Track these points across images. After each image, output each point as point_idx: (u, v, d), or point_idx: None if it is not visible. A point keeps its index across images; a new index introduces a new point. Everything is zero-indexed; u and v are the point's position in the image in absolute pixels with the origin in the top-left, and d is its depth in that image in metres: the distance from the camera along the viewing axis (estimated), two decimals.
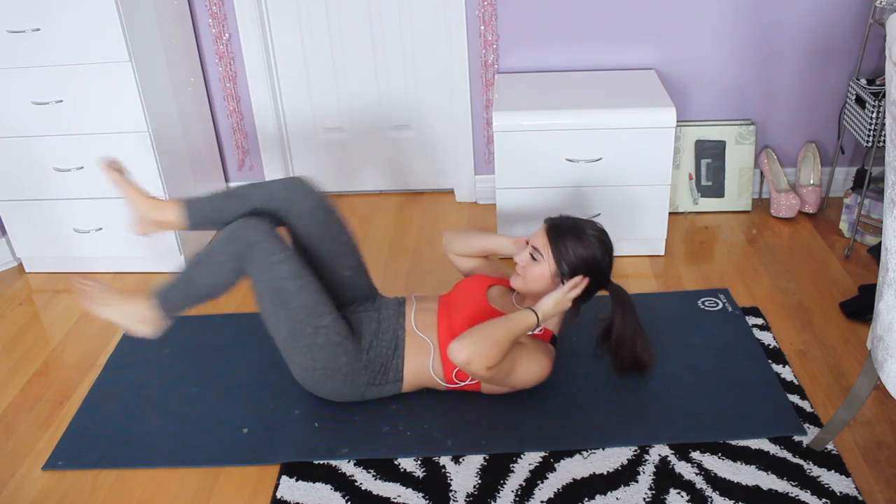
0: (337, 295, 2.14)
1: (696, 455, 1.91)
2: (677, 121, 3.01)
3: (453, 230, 2.34)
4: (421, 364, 2.05)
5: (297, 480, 1.91)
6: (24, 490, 1.95)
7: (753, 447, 1.93)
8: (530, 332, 2.00)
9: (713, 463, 1.89)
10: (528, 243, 2.06)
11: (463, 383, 2.05)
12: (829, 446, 1.90)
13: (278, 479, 1.92)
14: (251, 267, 1.94)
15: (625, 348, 2.10)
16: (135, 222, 2.12)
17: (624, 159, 2.59)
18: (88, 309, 2.02)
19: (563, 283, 2.00)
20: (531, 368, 2.01)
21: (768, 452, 1.91)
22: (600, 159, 2.59)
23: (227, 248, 1.94)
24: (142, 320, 2.01)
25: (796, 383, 2.13)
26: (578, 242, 1.98)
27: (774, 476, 1.84)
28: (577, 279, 1.98)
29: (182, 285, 2.00)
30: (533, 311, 1.95)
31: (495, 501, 1.82)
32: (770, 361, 2.21)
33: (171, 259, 2.84)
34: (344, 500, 1.85)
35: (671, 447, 1.94)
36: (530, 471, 1.90)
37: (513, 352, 1.96)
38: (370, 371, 2.04)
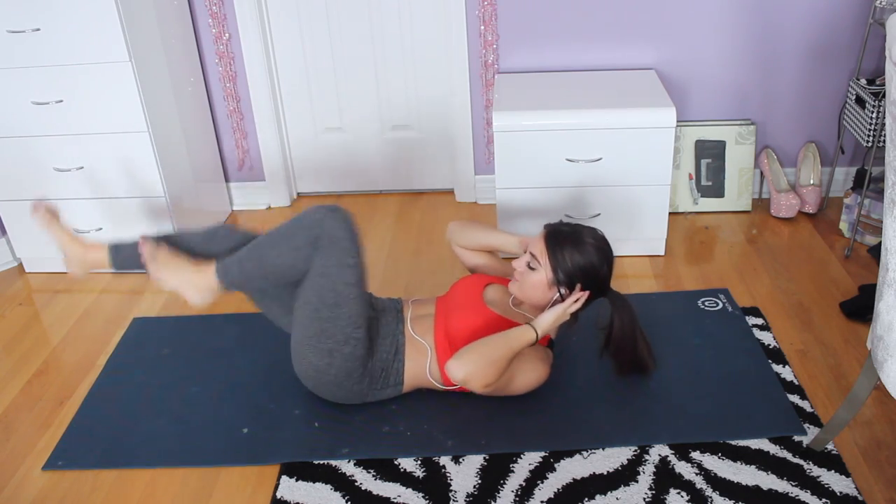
0: None
1: (696, 455, 1.91)
2: (677, 121, 3.01)
3: (459, 221, 2.31)
4: (419, 367, 2.05)
5: (297, 480, 1.91)
6: (24, 490, 1.95)
7: (753, 447, 1.93)
8: None
9: (713, 463, 1.89)
10: (526, 250, 2.05)
11: (459, 384, 2.05)
12: (829, 446, 1.90)
13: (278, 479, 1.92)
14: (324, 260, 1.92)
15: (625, 354, 2.09)
16: (68, 264, 2.17)
17: (624, 159, 2.59)
18: (154, 274, 2.00)
19: (560, 291, 1.99)
20: (528, 377, 2.01)
21: (768, 452, 1.91)
22: (600, 159, 2.59)
23: (307, 234, 1.91)
24: (200, 288, 1.99)
25: (796, 383, 2.13)
26: (576, 251, 1.96)
27: (774, 476, 1.84)
28: (577, 293, 1.97)
29: (246, 259, 1.96)
30: (531, 326, 1.94)
31: (495, 501, 1.82)
32: (770, 361, 2.21)
33: None
34: (344, 500, 1.85)
35: (671, 447, 1.94)
36: (530, 471, 1.90)
37: (511, 363, 1.95)
38: (372, 376, 2.04)
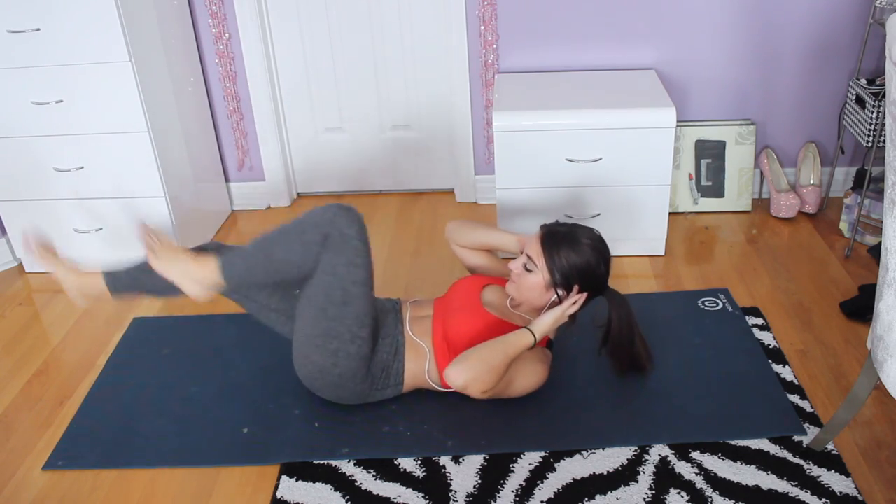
0: None
1: (696, 455, 1.91)
2: (677, 121, 3.01)
3: (458, 220, 2.30)
4: (418, 368, 2.05)
5: (297, 480, 1.91)
6: (24, 490, 1.95)
7: (753, 447, 1.93)
8: None
9: (713, 463, 1.89)
10: (523, 250, 2.05)
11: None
12: (829, 446, 1.90)
13: (278, 479, 1.92)
14: (333, 258, 1.90)
15: (623, 352, 2.09)
16: (69, 294, 2.14)
17: (624, 159, 2.59)
18: (155, 264, 1.98)
19: (557, 292, 1.99)
20: (527, 379, 2.01)
21: (768, 452, 1.91)
22: (600, 159, 2.59)
23: (316, 231, 1.89)
24: (201, 283, 1.96)
25: (796, 383, 2.13)
26: (572, 251, 1.95)
27: (774, 476, 1.84)
28: (574, 296, 1.97)
29: (251, 257, 1.94)
30: (529, 330, 1.94)
31: (495, 501, 1.82)
32: (770, 361, 2.21)
33: None
34: (344, 500, 1.85)
35: (671, 447, 1.94)
36: (530, 471, 1.90)
37: (509, 367, 1.95)
38: (373, 377, 2.03)
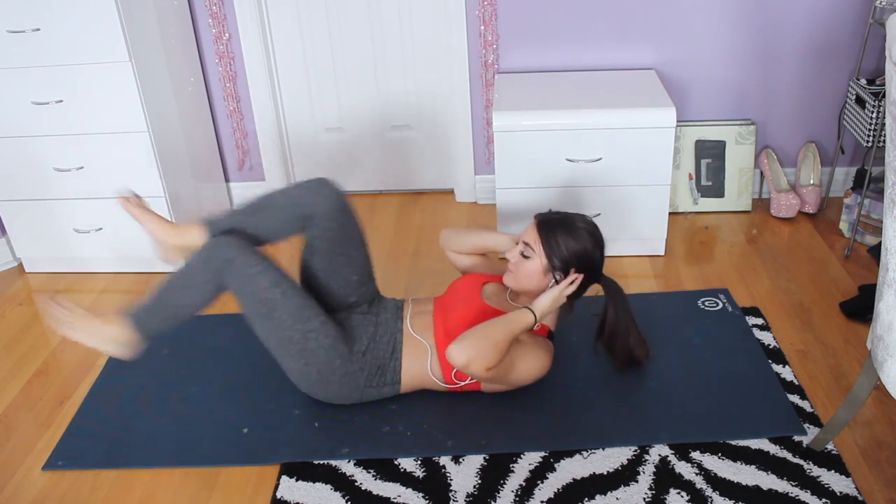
0: (340, 298, 2.13)
1: (696, 455, 1.91)
2: (677, 121, 3.01)
3: (451, 228, 2.34)
4: (419, 366, 2.05)
5: (297, 480, 1.91)
6: (24, 490, 1.95)
7: (753, 447, 1.93)
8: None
9: (713, 463, 1.89)
10: (518, 241, 2.06)
11: (463, 383, 2.05)
12: (829, 446, 1.90)
13: (278, 479, 1.92)
14: (232, 282, 1.94)
15: (619, 341, 2.10)
16: (159, 250, 2.11)
17: (624, 159, 2.59)
18: (59, 332, 1.99)
19: (555, 277, 2.00)
20: (531, 365, 2.01)
21: (768, 452, 1.91)
22: (600, 159, 2.59)
23: (205, 269, 1.94)
24: (117, 342, 1.98)
25: (796, 383, 2.13)
26: (569, 236, 1.99)
27: (774, 476, 1.84)
28: (572, 276, 1.99)
29: (158, 308, 1.98)
30: (530, 309, 1.95)
31: (495, 501, 1.82)
32: (770, 361, 2.21)
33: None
34: (344, 500, 1.85)
35: (671, 447, 1.94)
36: (530, 471, 1.90)
37: (511, 350, 1.96)
38: (367, 373, 2.03)
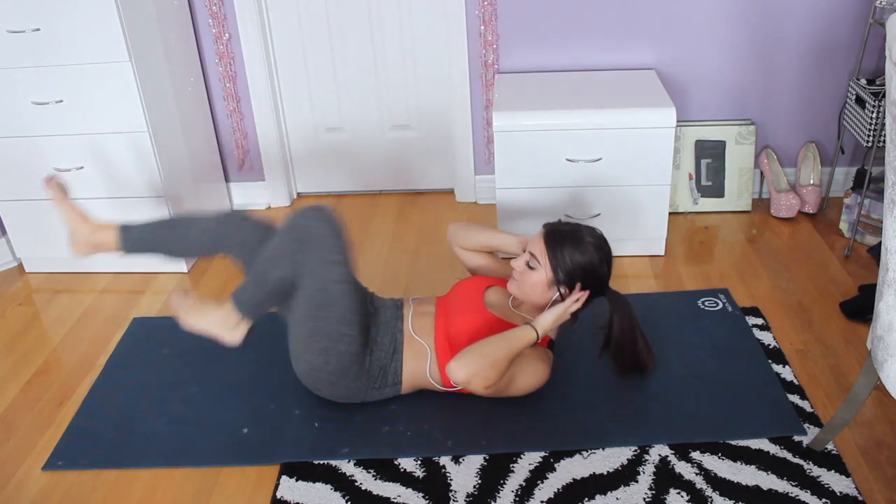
0: None
1: (696, 455, 1.91)
2: (677, 121, 3.01)
3: (459, 222, 2.31)
4: (418, 368, 2.05)
5: (297, 480, 1.91)
6: (24, 490, 1.95)
7: (753, 447, 1.93)
8: None
9: (713, 463, 1.89)
10: (525, 249, 2.05)
11: (460, 386, 2.05)
12: (829, 446, 1.90)
13: (278, 479, 1.92)
14: (310, 260, 1.91)
15: (625, 353, 2.08)
16: (72, 242, 2.12)
17: (624, 159, 2.59)
18: (184, 321, 1.99)
19: (560, 290, 1.99)
20: (529, 378, 2.00)
21: (768, 452, 1.91)
22: (600, 159, 2.59)
23: (292, 240, 1.92)
24: (229, 325, 1.98)
25: (796, 383, 2.13)
26: (576, 250, 1.96)
27: (774, 476, 1.84)
28: (577, 293, 1.97)
29: (254, 285, 1.97)
30: (532, 326, 1.94)
31: (495, 501, 1.82)
32: (770, 361, 2.21)
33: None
34: (344, 500, 1.85)
35: (671, 447, 1.94)
36: (530, 471, 1.90)
37: (512, 365, 1.95)
38: (370, 375, 2.03)
